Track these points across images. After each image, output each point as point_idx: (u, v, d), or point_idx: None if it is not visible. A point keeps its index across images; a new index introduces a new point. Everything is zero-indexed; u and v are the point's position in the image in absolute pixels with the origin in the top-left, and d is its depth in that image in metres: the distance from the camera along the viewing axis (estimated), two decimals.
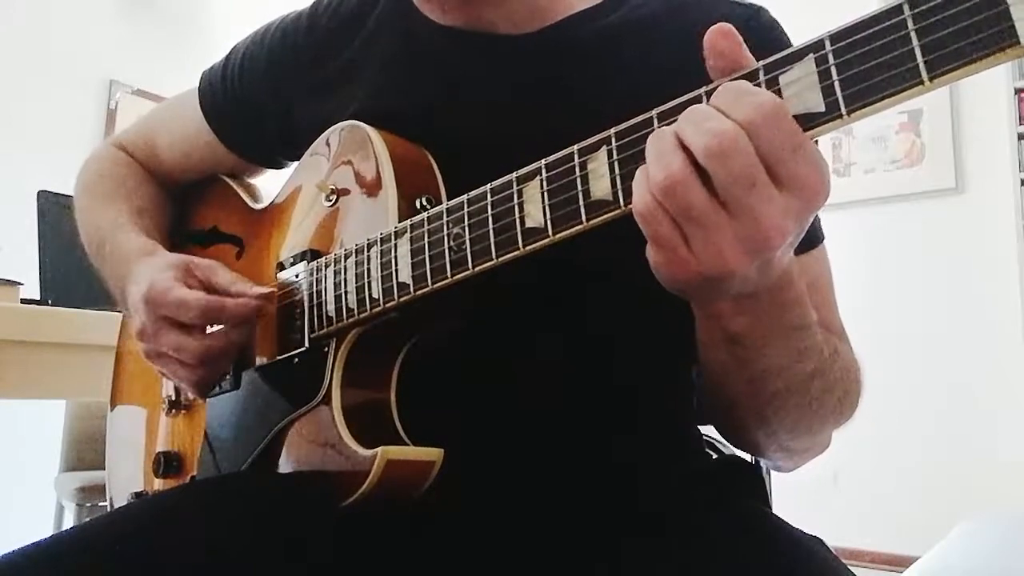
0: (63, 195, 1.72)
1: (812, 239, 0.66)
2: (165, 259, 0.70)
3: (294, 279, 0.67)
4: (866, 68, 0.38)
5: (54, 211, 1.78)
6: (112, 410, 0.93)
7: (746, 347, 0.52)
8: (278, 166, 0.88)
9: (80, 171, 0.92)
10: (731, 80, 0.42)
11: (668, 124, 0.44)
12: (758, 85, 0.41)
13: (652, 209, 0.43)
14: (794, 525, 0.57)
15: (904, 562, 1.95)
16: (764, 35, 0.45)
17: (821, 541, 0.56)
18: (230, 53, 0.85)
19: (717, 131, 0.40)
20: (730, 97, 0.41)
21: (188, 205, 0.91)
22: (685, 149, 0.41)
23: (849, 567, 0.54)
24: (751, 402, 0.56)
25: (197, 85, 0.86)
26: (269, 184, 0.86)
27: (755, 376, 0.54)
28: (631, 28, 0.66)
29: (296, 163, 0.78)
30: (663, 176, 0.41)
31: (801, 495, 2.19)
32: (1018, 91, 3.03)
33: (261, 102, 0.80)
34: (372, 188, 0.63)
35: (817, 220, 0.68)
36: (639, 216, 0.44)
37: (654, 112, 0.46)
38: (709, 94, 0.43)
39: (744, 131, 0.40)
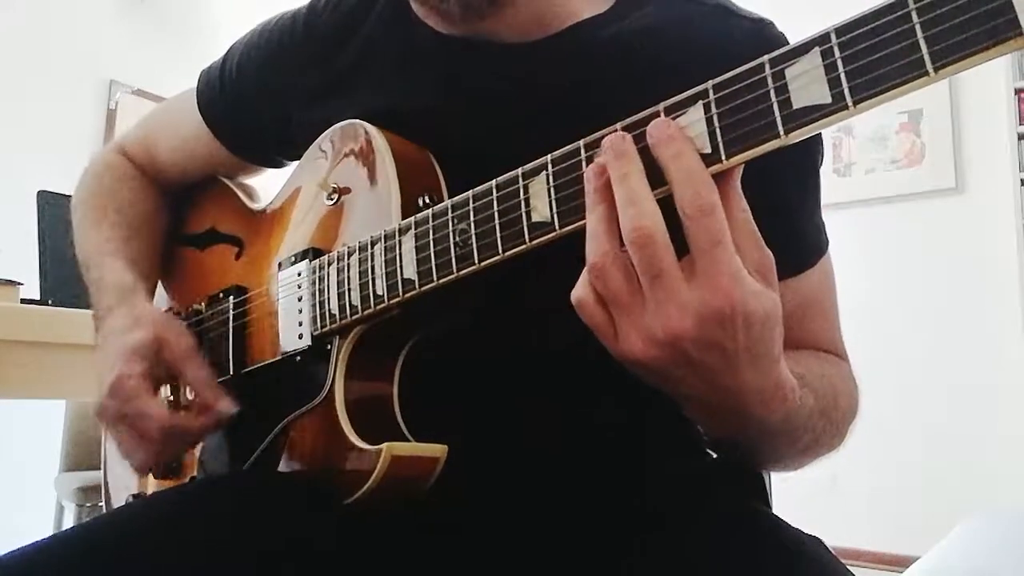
0: (63, 195, 1.71)
1: (808, 255, 0.66)
2: (136, 335, 0.69)
3: (296, 277, 0.67)
4: (871, 60, 0.38)
5: (54, 211, 1.78)
6: None
7: (723, 447, 0.56)
8: (277, 165, 0.87)
9: (79, 182, 0.92)
10: (741, 72, 0.43)
11: (676, 116, 0.45)
12: (764, 80, 0.42)
13: (585, 295, 0.46)
14: (794, 525, 0.57)
15: (904, 562, 1.94)
16: (768, 52, 0.45)
17: (821, 541, 0.56)
18: (227, 53, 0.84)
19: (637, 223, 0.42)
20: (682, 178, 0.43)
21: (186, 207, 0.91)
22: (619, 228, 0.44)
23: (849, 567, 0.54)
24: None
25: (195, 85, 0.86)
26: (269, 184, 0.86)
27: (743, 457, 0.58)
28: (637, 37, 0.66)
29: (295, 163, 0.78)
30: (592, 259, 0.44)
31: (801, 495, 2.19)
32: (1018, 91, 3.03)
33: (259, 102, 0.80)
34: (374, 186, 0.63)
35: (818, 231, 0.68)
36: (575, 300, 0.46)
37: (661, 106, 0.46)
38: (668, 110, 0.45)
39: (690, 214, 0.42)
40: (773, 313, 0.44)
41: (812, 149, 0.67)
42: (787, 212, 0.64)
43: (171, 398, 0.80)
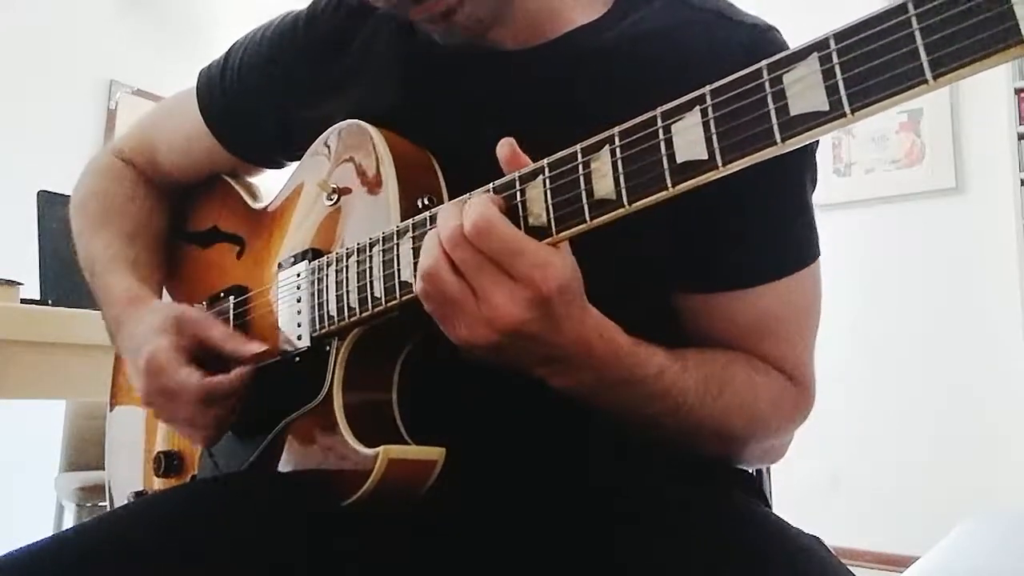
0: (63, 195, 1.70)
1: (778, 267, 0.65)
2: (154, 320, 0.71)
3: (295, 278, 0.67)
4: (870, 67, 0.38)
5: (54, 211, 1.77)
6: (112, 411, 0.93)
7: (582, 398, 0.57)
8: (277, 166, 0.87)
9: (75, 187, 0.91)
10: (739, 77, 0.43)
11: (673, 121, 0.45)
12: (762, 85, 0.41)
13: (422, 291, 0.53)
14: (794, 525, 0.57)
15: (904, 562, 1.94)
16: (768, 58, 0.46)
17: (821, 541, 0.56)
18: (228, 52, 0.84)
19: (450, 226, 0.51)
20: (470, 207, 0.51)
21: (188, 205, 0.91)
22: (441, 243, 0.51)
23: (849, 567, 0.54)
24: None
25: (195, 85, 0.86)
26: (270, 183, 0.86)
27: (609, 413, 0.60)
28: (631, 44, 0.66)
29: (296, 163, 0.78)
30: (424, 266, 0.52)
31: (801, 495, 2.19)
32: (1018, 91, 3.02)
33: (259, 102, 0.80)
34: (374, 187, 0.63)
35: (796, 246, 0.66)
36: (420, 296, 0.53)
37: (658, 111, 0.46)
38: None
39: (467, 233, 0.50)
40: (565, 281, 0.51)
41: (797, 166, 0.66)
42: (759, 222, 0.64)
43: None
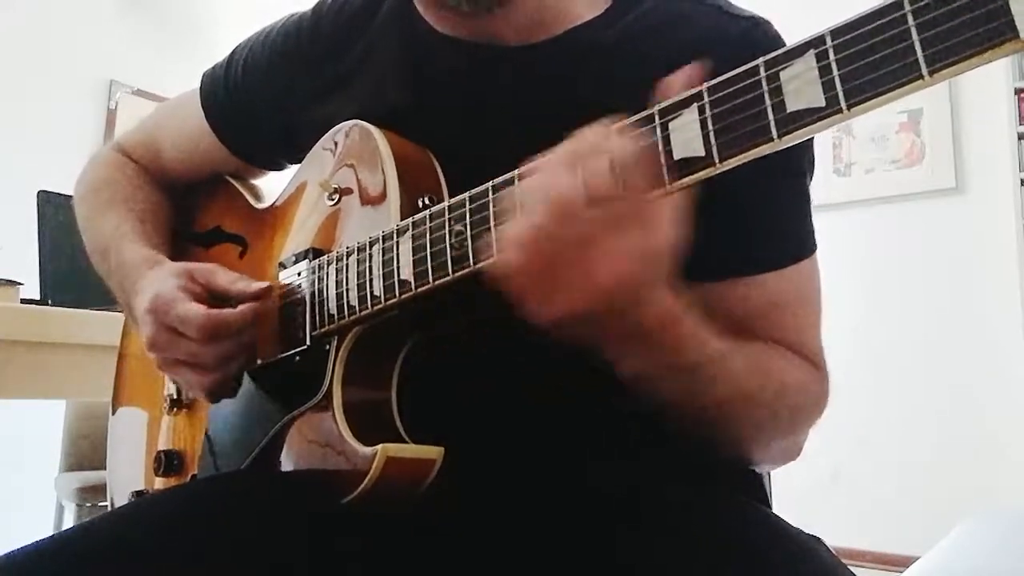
0: (63, 195, 1.71)
1: (781, 255, 0.65)
2: (167, 269, 0.71)
3: (296, 277, 0.68)
4: (866, 63, 0.38)
5: (54, 211, 1.78)
6: (114, 412, 0.93)
7: (647, 383, 0.56)
8: (279, 168, 0.88)
9: (79, 178, 0.92)
10: (736, 74, 0.43)
11: (670, 118, 0.45)
12: (759, 82, 0.42)
13: (516, 264, 0.47)
14: (794, 525, 0.57)
15: (904, 562, 1.94)
16: (762, 51, 0.45)
17: (821, 541, 0.57)
18: (232, 54, 0.85)
19: (566, 190, 0.45)
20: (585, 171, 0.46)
21: (191, 205, 0.91)
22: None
23: (849, 567, 0.54)
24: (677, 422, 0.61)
25: (199, 86, 0.86)
26: (273, 183, 0.86)
27: (665, 404, 0.58)
28: (633, 41, 0.66)
29: (298, 165, 0.78)
30: (521, 235, 0.47)
31: (801, 495, 2.19)
32: (1018, 91, 3.03)
33: (262, 104, 0.80)
34: (375, 188, 0.63)
35: (798, 235, 0.67)
36: (507, 271, 0.48)
37: (656, 108, 0.46)
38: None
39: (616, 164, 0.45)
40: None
41: (797, 155, 0.66)
42: (761, 209, 0.64)
43: (174, 396, 0.80)
